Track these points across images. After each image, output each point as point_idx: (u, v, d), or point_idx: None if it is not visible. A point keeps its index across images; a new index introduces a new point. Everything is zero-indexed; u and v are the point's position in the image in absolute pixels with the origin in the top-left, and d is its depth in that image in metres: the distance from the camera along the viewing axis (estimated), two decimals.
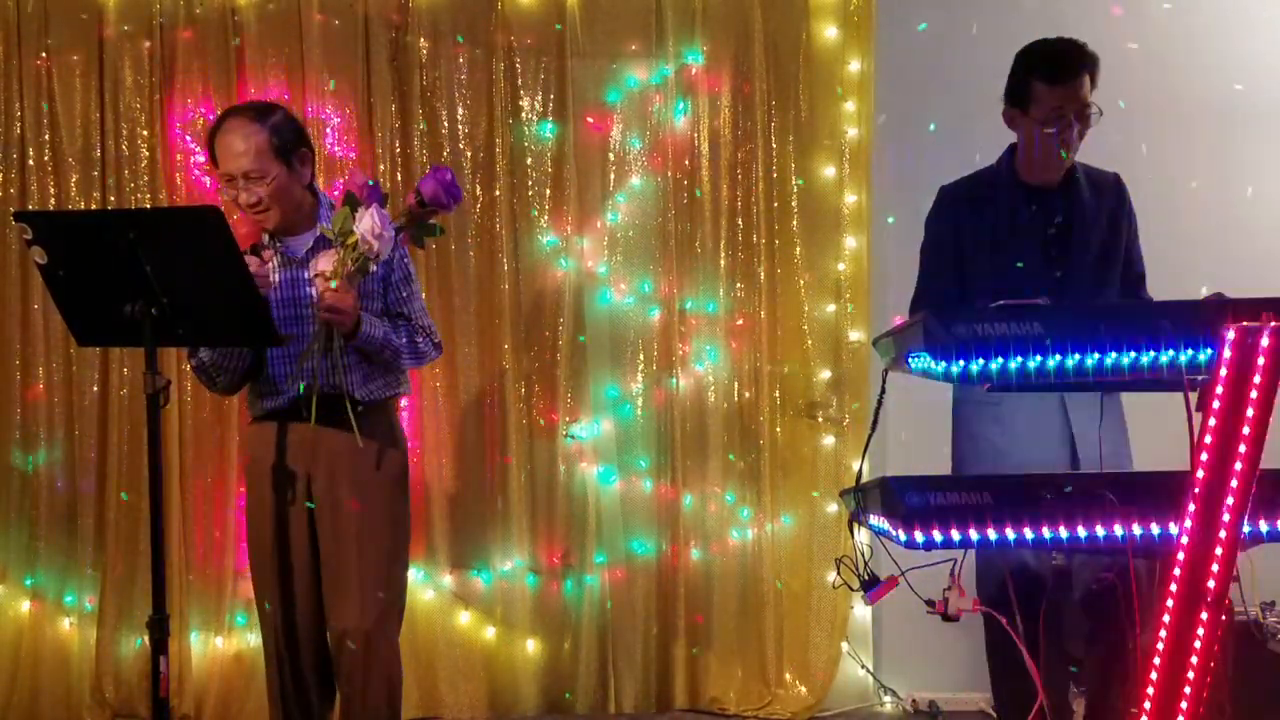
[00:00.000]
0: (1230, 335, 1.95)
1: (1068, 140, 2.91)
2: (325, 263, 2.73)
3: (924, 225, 3.16)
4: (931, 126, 4.13)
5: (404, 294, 2.97)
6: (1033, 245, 2.98)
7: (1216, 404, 1.98)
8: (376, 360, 2.90)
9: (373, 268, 2.77)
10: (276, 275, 2.87)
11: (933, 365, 2.02)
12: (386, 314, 2.95)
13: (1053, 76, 2.88)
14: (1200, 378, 2.03)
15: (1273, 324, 1.94)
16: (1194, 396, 2.04)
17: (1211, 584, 1.98)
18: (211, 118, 4.00)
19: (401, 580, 2.99)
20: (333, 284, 2.71)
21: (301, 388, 2.81)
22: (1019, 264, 2.95)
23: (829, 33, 4.22)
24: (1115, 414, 2.98)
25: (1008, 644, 2.48)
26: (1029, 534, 2.07)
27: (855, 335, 4.20)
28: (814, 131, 4.21)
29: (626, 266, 4.21)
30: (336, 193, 3.43)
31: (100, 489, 4.02)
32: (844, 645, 4.21)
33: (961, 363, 1.99)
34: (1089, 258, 3.00)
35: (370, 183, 2.73)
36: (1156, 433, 3.04)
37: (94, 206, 3.97)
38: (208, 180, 4.05)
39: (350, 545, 2.86)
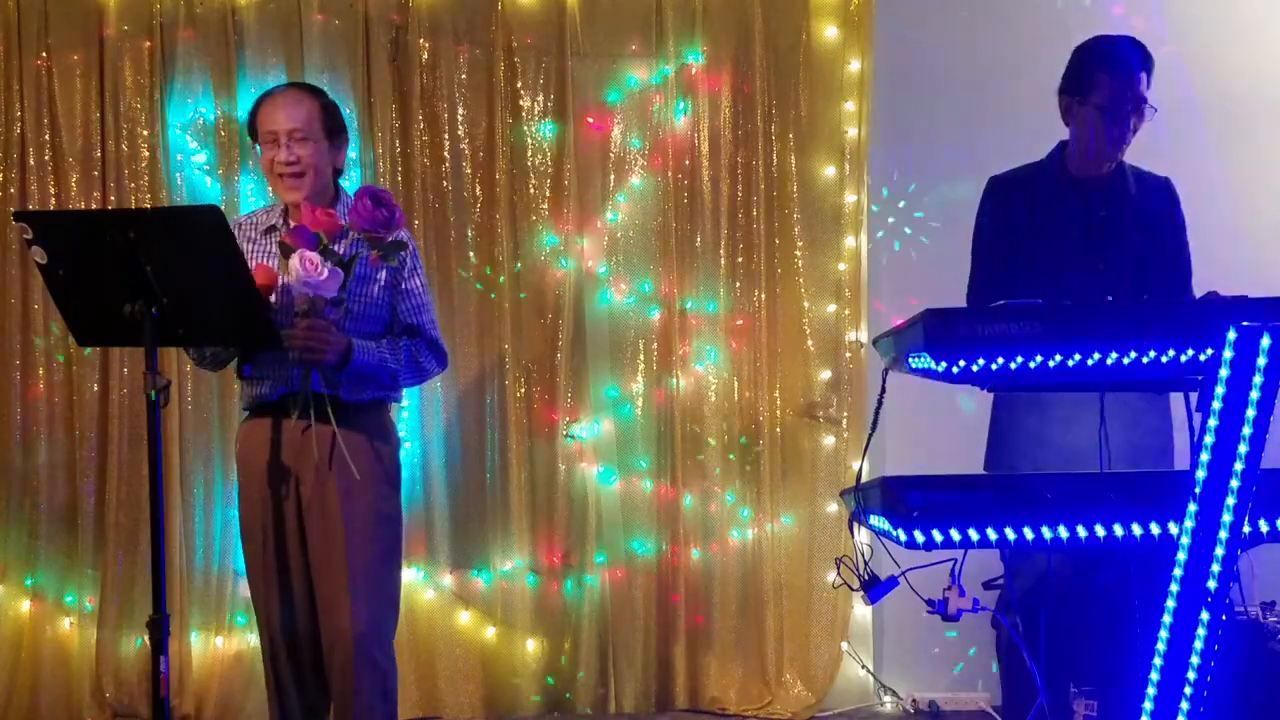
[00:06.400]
0: (1230, 335, 1.96)
1: (1123, 131, 2.98)
2: (301, 299, 2.71)
3: (974, 216, 3.21)
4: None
5: (416, 304, 2.92)
6: (1076, 236, 3.04)
7: (1216, 404, 1.98)
8: (371, 379, 2.85)
9: (341, 294, 2.74)
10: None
11: (933, 365, 2.02)
12: (395, 324, 2.91)
13: (1114, 67, 2.98)
14: (1200, 378, 2.03)
15: (1273, 324, 1.94)
16: (1194, 396, 2.04)
17: (1211, 584, 1.98)
18: (212, 118, 4.03)
19: (395, 580, 2.93)
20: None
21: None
22: (1062, 253, 3.02)
23: (829, 33, 4.22)
24: (1158, 411, 2.99)
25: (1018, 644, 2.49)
26: (1029, 534, 2.07)
27: (855, 335, 4.20)
28: (814, 131, 4.21)
29: (626, 266, 4.21)
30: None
31: (100, 489, 4.02)
32: (844, 645, 4.21)
33: (962, 362, 1.99)
34: (1130, 253, 3.05)
35: (297, 226, 2.71)
36: None
37: (94, 206, 3.97)
38: (208, 180, 4.05)
39: (339, 546, 2.81)
